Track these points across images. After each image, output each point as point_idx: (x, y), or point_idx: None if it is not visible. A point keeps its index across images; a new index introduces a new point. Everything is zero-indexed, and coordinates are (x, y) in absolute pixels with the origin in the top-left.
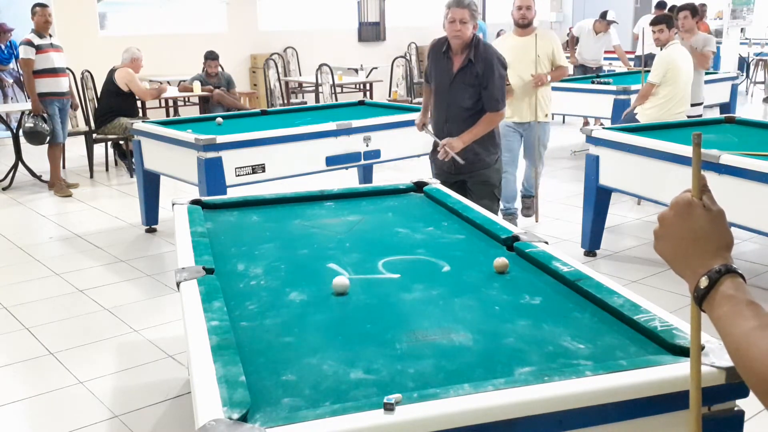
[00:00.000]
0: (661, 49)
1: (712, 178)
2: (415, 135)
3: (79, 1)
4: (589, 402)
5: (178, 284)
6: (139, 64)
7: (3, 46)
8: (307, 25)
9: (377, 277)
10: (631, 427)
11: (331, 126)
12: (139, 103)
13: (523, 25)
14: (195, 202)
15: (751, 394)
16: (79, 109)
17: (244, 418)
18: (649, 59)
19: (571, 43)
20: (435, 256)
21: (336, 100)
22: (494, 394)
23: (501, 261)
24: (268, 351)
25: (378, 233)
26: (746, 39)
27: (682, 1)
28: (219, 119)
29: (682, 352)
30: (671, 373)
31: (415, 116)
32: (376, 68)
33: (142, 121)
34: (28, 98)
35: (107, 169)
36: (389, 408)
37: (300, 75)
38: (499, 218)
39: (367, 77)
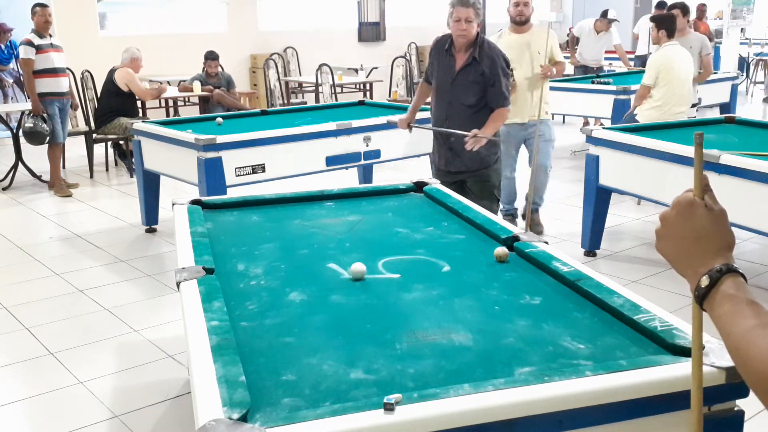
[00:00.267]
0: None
1: (712, 178)
2: (415, 135)
3: (79, 1)
4: (589, 402)
5: (178, 284)
6: (138, 64)
7: (3, 46)
8: (307, 25)
9: (377, 277)
10: (631, 427)
11: (331, 126)
12: (139, 103)
13: (521, 22)
14: (195, 202)
15: (752, 394)
16: (79, 109)
17: (244, 418)
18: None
19: (572, 43)
20: (435, 256)
21: (336, 100)
22: (494, 394)
23: (502, 250)
24: (268, 351)
25: (378, 233)
26: (746, 39)
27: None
28: (219, 119)
29: (682, 352)
30: (671, 373)
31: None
32: (376, 68)
33: (142, 121)
34: (28, 98)
35: (107, 169)
36: (389, 408)
37: (300, 75)
38: (499, 218)
39: (367, 77)
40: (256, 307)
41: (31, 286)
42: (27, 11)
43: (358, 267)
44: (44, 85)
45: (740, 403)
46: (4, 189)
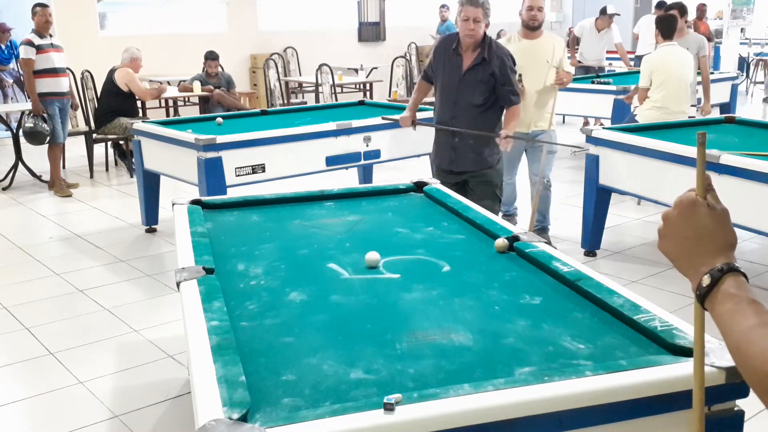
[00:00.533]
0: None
1: (712, 178)
2: (416, 135)
3: (79, 1)
4: (589, 402)
5: (178, 284)
6: (138, 64)
7: (3, 46)
8: (307, 25)
9: (377, 277)
10: (631, 427)
11: (331, 126)
12: (139, 103)
13: (533, 27)
14: (195, 202)
15: (752, 393)
16: (79, 109)
17: (244, 418)
18: None
19: (572, 43)
20: (435, 256)
21: (336, 100)
22: (494, 394)
23: (502, 242)
24: (268, 351)
25: (378, 233)
26: (746, 39)
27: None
28: (219, 119)
29: (682, 352)
30: (671, 373)
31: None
32: (376, 68)
33: (142, 121)
34: (28, 98)
35: (107, 169)
36: (389, 408)
37: (300, 75)
38: (499, 218)
39: (367, 77)
40: (256, 307)
41: (31, 286)
42: (27, 11)
43: (373, 255)
44: (44, 85)
45: (740, 403)
46: (4, 189)
